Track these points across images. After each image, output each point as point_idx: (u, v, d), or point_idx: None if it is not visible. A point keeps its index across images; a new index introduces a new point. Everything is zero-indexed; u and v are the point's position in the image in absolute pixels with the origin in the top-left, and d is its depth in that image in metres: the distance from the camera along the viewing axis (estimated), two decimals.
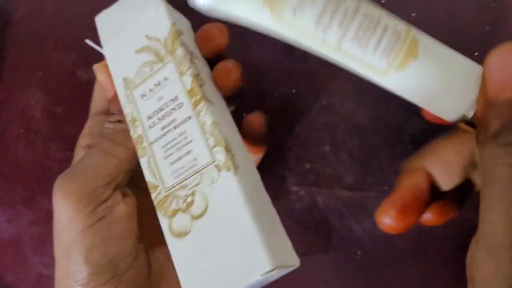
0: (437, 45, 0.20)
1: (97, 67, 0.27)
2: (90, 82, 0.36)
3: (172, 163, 0.23)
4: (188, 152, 0.23)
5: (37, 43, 0.36)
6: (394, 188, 0.22)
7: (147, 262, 0.26)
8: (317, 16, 0.19)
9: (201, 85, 0.24)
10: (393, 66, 0.19)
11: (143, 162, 0.24)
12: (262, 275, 0.21)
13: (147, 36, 0.26)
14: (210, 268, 0.21)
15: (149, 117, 0.24)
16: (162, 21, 0.25)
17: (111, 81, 0.26)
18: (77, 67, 0.35)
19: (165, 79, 0.24)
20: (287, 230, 0.29)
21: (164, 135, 0.24)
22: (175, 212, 0.23)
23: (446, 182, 0.22)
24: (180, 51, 0.24)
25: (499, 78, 0.19)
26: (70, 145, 0.35)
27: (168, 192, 0.23)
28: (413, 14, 0.32)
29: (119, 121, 0.26)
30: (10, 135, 0.36)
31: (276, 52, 0.32)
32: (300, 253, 0.31)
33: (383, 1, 0.32)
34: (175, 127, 0.24)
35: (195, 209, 0.22)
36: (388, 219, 0.21)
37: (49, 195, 0.35)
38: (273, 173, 0.32)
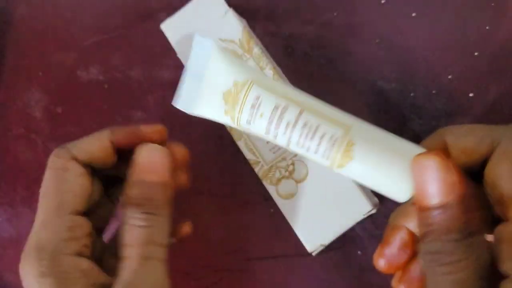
0: (374, 139, 0.22)
1: None
2: (90, 82, 0.36)
3: (268, 142, 0.28)
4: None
5: (37, 43, 0.36)
6: (384, 239, 0.25)
7: None
8: (266, 127, 0.23)
9: (278, 75, 0.29)
10: (334, 165, 0.22)
11: (241, 144, 0.29)
12: (364, 215, 0.27)
13: (220, 39, 0.29)
14: (319, 217, 0.28)
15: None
16: (234, 24, 0.29)
17: None
18: (77, 67, 0.35)
19: None
20: (288, 229, 0.29)
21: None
22: (279, 179, 0.28)
23: None
24: (256, 50, 0.29)
25: (418, 188, 0.20)
26: None
27: (270, 165, 0.29)
28: (413, 14, 0.32)
29: (151, 213, 0.23)
30: (10, 135, 0.36)
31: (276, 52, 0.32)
32: (300, 253, 0.31)
33: (383, 1, 0.32)
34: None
35: (297, 174, 0.28)
36: (380, 264, 0.24)
37: None
38: None
